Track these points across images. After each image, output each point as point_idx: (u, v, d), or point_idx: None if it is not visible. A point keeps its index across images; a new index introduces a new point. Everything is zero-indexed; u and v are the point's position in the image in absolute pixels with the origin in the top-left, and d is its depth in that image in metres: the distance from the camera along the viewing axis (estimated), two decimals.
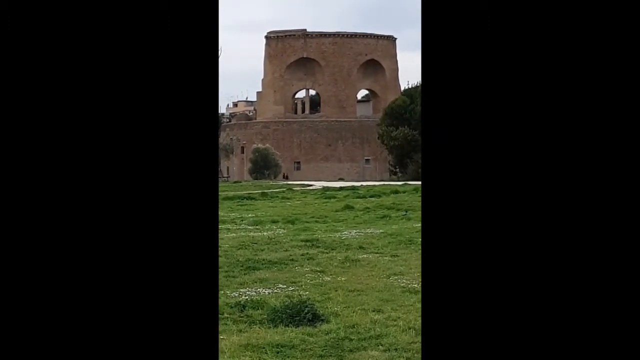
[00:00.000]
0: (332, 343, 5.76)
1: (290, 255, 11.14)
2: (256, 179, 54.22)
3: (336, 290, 8.18)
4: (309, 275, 9.25)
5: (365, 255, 11.11)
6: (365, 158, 73.49)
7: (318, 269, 9.73)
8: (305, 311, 6.52)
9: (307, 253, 11.33)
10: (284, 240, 13.22)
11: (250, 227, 16.09)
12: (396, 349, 5.60)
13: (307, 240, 13.00)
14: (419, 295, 7.80)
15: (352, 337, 5.94)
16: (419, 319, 6.66)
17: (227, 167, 73.67)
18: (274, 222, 17.41)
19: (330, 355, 5.44)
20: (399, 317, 6.69)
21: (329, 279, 9.02)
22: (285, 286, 8.45)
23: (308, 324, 6.38)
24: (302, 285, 8.54)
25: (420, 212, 18.11)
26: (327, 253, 11.47)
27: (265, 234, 14.62)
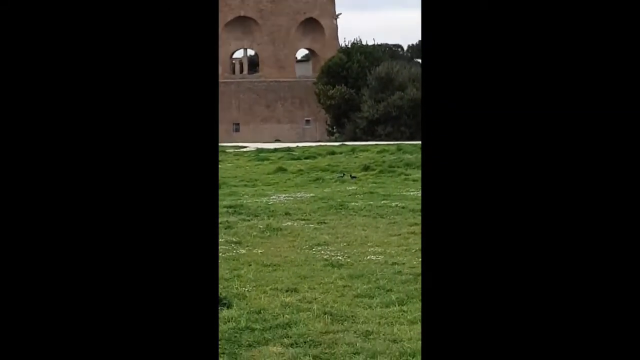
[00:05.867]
0: (229, 336, 4.80)
1: None
2: None
3: (250, 265, 7.25)
4: (223, 247, 8.26)
5: (289, 223, 10.19)
6: (305, 119, 72.35)
7: (234, 240, 8.76)
8: None
9: (227, 221, 10.35)
10: None
11: None
12: (304, 342, 4.67)
13: (230, 207, 12.03)
14: (342, 270, 6.91)
15: (255, 327, 5.00)
16: (338, 300, 5.77)
17: None
18: None
19: (223, 354, 4.47)
20: (314, 299, 5.79)
21: (244, 251, 8.07)
22: None
23: None
24: None
25: (358, 174, 17.43)
26: (249, 221, 10.52)
27: None
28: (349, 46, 56.38)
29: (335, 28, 78.67)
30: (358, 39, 55.38)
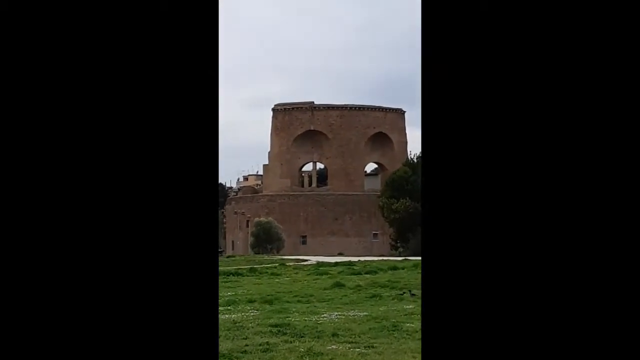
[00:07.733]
0: None
1: (246, 345, 9.36)
2: (258, 254, 52.19)
3: None
4: None
5: (334, 346, 9.32)
6: (373, 232, 71.60)
7: None
8: None
9: (267, 343, 9.54)
10: (250, 326, 11.46)
11: (220, 309, 14.30)
12: None
13: (275, 326, 11.25)
14: None
15: None
16: None
17: (232, 242, 71.94)
18: (250, 301, 15.68)
19: None
20: None
21: None
22: None
23: None
24: None
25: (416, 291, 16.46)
26: (291, 343, 9.68)
27: (233, 316, 12.91)
28: (415, 160, 55.92)
29: (404, 142, 78.76)
30: None
